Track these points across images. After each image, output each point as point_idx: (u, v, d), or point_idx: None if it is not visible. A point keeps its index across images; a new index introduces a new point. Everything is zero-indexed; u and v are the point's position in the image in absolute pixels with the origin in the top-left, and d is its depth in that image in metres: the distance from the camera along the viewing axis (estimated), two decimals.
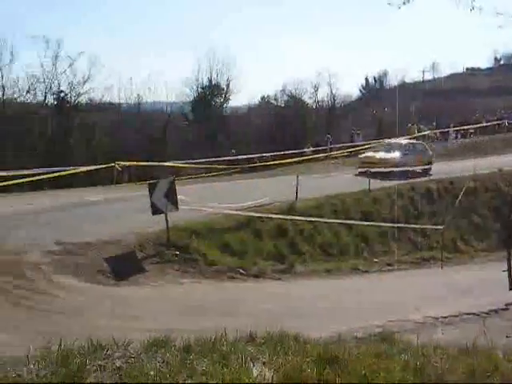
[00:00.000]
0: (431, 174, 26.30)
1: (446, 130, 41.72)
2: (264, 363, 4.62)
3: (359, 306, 10.81)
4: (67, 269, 11.28)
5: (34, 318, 8.73)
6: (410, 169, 25.38)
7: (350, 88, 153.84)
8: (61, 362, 3.94)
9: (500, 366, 5.45)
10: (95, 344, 4.58)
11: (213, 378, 3.91)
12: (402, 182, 22.69)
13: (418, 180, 24.34)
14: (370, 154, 27.54)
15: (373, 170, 23.98)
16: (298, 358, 4.72)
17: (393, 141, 29.26)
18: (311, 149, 34.69)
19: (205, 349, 4.75)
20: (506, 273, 11.88)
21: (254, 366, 4.47)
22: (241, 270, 13.04)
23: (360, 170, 25.64)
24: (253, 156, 29.58)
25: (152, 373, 3.95)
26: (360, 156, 27.88)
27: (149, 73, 79.70)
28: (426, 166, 27.12)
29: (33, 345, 4.86)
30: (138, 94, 46.06)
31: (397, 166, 24.78)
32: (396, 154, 26.52)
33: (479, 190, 23.58)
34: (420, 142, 31.24)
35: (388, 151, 26.98)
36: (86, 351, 4.33)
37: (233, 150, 32.54)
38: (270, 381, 4.17)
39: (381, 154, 26.63)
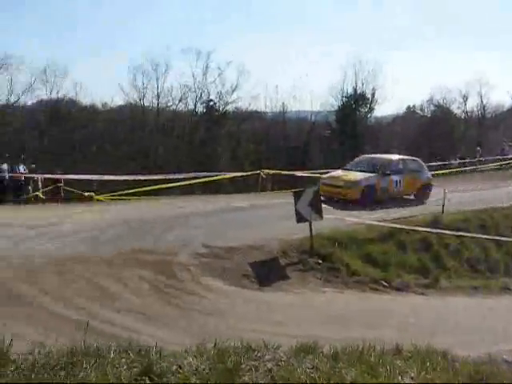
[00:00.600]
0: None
1: None
2: (412, 377, 4.57)
3: (508, 328, 10.29)
4: (214, 271, 11.69)
5: (183, 316, 9.17)
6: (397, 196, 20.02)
7: (501, 97, 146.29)
8: (217, 359, 4.15)
9: None
10: (246, 345, 4.77)
11: None
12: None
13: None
14: (336, 173, 20.51)
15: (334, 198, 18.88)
16: (448, 376, 4.63)
17: (375, 156, 22.18)
18: (458, 161, 33.53)
19: (352, 358, 4.78)
20: None
21: (402, 379, 4.45)
22: (383, 282, 12.85)
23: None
24: None
25: (303, 377, 4.05)
26: (323, 176, 21.05)
27: (294, 81, 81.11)
28: (421, 192, 20.70)
29: (183, 341, 5.16)
30: (283, 103, 46.88)
31: (369, 192, 19.18)
32: (370, 176, 19.61)
33: None
34: (415, 158, 22.45)
35: (367, 170, 20.05)
36: (240, 351, 4.53)
37: None
38: None
39: (353, 175, 19.71)
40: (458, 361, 5.52)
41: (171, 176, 21.44)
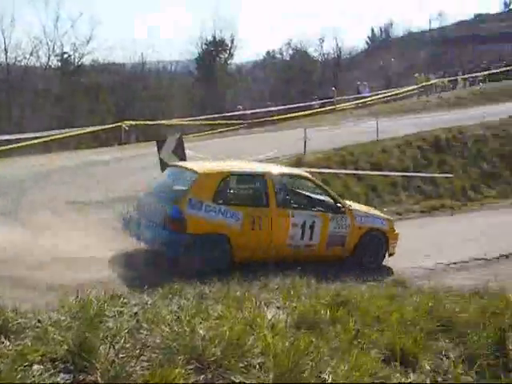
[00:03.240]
0: None
1: (454, 78, 41.26)
2: (278, 307, 4.70)
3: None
4: None
5: None
6: None
7: (356, 40, 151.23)
8: (79, 310, 4.03)
9: (511, 305, 5.52)
10: (111, 293, 4.67)
11: (228, 322, 3.98)
12: None
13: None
14: None
15: None
16: (312, 302, 4.81)
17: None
18: (319, 102, 34.48)
19: (219, 295, 4.83)
20: None
21: (268, 309, 4.55)
22: None
23: None
24: (259, 111, 29.48)
25: (168, 317, 4.03)
26: None
27: (148, 31, 79.52)
28: None
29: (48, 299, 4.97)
30: (142, 54, 45.79)
31: None
32: None
33: (489, 138, 23.29)
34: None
35: None
36: (104, 299, 4.42)
37: (239, 106, 32.31)
38: (284, 323, 4.25)
39: None
40: (321, 288, 5.74)
41: (25, 135, 20.25)
